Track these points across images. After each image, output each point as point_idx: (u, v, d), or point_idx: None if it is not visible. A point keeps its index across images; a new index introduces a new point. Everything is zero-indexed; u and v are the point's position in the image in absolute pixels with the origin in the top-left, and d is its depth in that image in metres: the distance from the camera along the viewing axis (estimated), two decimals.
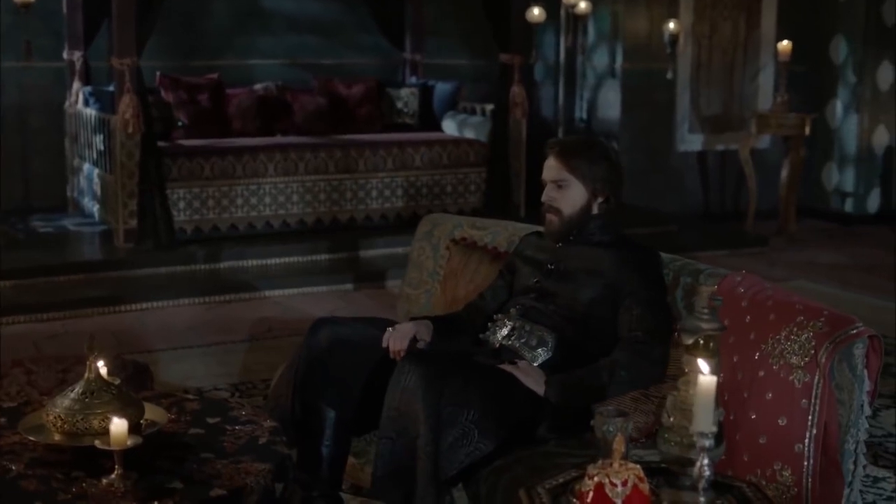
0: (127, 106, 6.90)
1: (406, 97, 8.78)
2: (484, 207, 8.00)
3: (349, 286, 6.96)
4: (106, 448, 2.59)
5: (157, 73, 8.02)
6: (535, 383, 3.18)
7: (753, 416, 2.93)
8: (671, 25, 8.66)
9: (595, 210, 3.46)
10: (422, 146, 8.05)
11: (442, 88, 8.83)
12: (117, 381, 2.99)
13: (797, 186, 8.74)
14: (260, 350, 5.62)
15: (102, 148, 7.38)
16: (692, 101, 9.21)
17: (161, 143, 7.28)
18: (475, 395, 3.01)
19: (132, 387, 3.37)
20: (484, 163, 8.17)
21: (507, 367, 3.20)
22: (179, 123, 7.91)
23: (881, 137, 9.33)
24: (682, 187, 9.30)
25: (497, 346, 3.37)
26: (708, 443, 2.19)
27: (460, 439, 2.96)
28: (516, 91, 7.97)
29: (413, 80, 9.13)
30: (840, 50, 9.36)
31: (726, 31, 9.30)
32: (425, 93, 8.80)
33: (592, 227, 3.45)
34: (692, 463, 2.27)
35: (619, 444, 2.26)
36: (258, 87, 8.43)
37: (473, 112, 8.66)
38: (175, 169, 7.25)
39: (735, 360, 3.07)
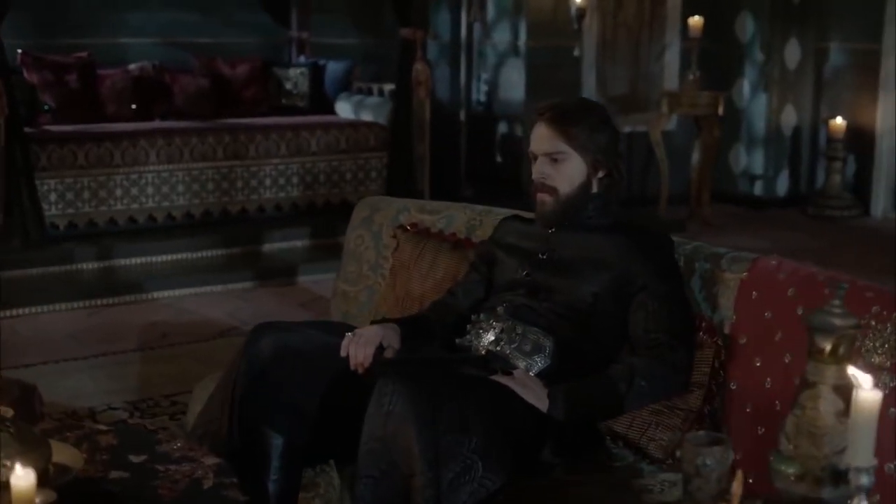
0: None
1: (295, 77, 8.08)
2: (387, 195, 7.34)
3: (248, 284, 6.26)
4: None
5: (18, 52, 7.15)
6: (536, 397, 2.59)
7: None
8: (578, 0, 8.14)
9: (595, 188, 2.88)
10: (317, 130, 7.37)
11: (334, 68, 8.18)
12: (10, 413, 2.28)
13: (711, 168, 8.34)
14: (156, 360, 4.89)
15: None
16: (598, 80, 8.72)
17: (26, 129, 6.44)
18: (475, 418, 2.39)
19: (21, 415, 2.66)
20: (385, 147, 7.54)
21: (503, 379, 2.60)
22: (46, 107, 7.07)
23: (789, 117, 9.01)
24: None
25: (483, 352, 2.77)
26: (867, 481, 1.62)
27: (462, 475, 2.34)
28: (419, 69, 7.34)
29: (301, 59, 8.44)
30: (747, 27, 9.00)
31: (632, 7, 8.84)
32: (316, 73, 8.12)
33: (591, 208, 2.87)
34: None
35: (737, 487, 1.68)
36: (133, 67, 7.64)
37: (370, 93, 8.03)
38: (44, 157, 6.43)
39: (787, 360, 2.52)
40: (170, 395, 4.39)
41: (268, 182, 7.13)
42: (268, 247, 6.79)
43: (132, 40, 8.02)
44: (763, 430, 2.54)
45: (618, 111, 8.80)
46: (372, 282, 3.61)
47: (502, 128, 8.69)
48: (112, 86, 7.40)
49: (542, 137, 2.84)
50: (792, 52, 8.92)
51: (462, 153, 8.36)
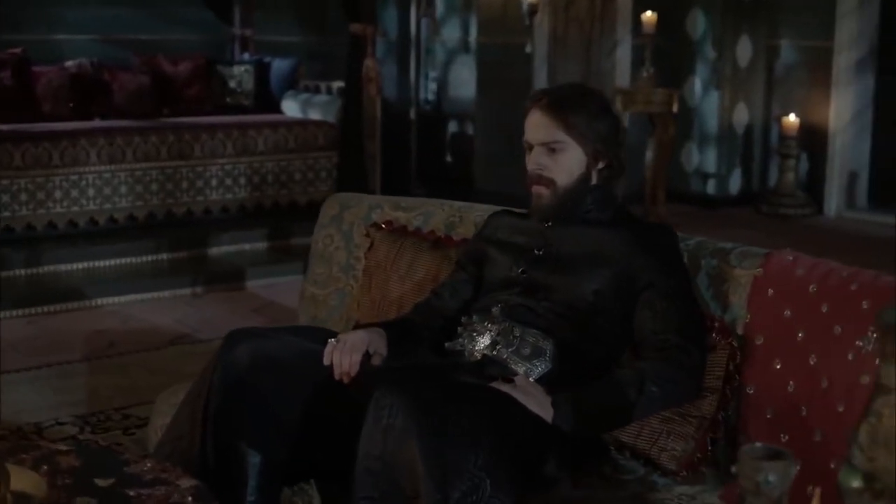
0: None
1: (240, 75, 7.81)
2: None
3: (196, 289, 5.97)
4: None
5: None
6: (540, 406, 2.38)
7: None
8: None
9: (594, 179, 2.67)
10: (265, 129, 7.10)
11: (279, 66, 7.92)
12: None
13: (665, 167, 8.19)
14: (104, 371, 4.60)
15: None
16: (550, 78, 8.54)
17: None
18: (481, 431, 2.17)
19: None
20: (334, 146, 7.29)
21: (503, 387, 2.38)
22: None
23: (741, 115, 8.90)
24: None
25: (478, 357, 2.55)
26: None
27: (469, 495, 2.11)
28: (370, 65, 7.10)
29: (245, 56, 8.17)
30: (698, 24, 8.88)
31: (583, 3, 8.67)
32: (261, 70, 7.86)
33: (590, 201, 2.67)
34: None
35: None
36: (70, 64, 7.32)
37: (318, 91, 7.78)
38: None
39: (813, 362, 2.34)
40: (121, 407, 4.12)
41: (214, 183, 6.85)
42: (215, 250, 6.51)
43: (69, 36, 7.72)
44: (787, 437, 2.35)
45: None
46: (343, 284, 3.38)
47: (452, 127, 8.49)
48: (48, 83, 7.08)
49: (538, 126, 2.64)
50: (743, 50, 8.81)
51: (412, 153, 8.14)
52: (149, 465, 2.27)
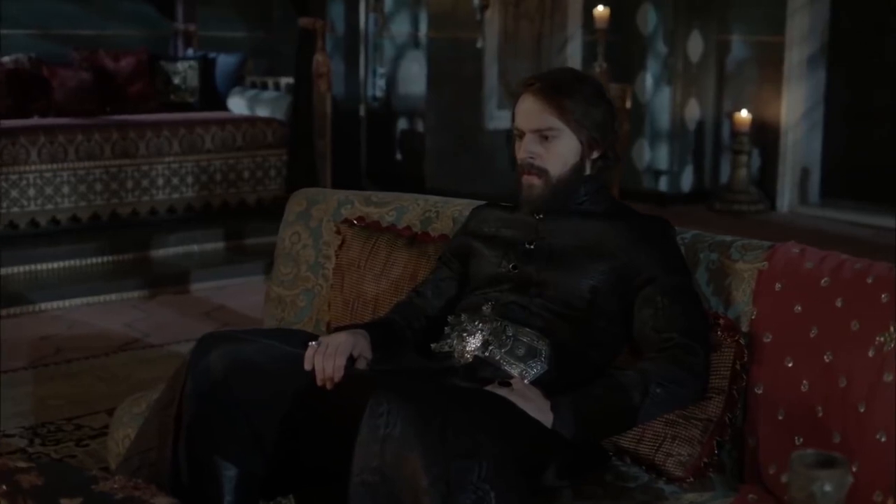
0: None
1: (184, 72, 7.58)
2: (287, 194, 6.89)
3: (143, 292, 5.74)
4: None
5: None
6: (539, 410, 2.23)
7: (883, 440, 2.07)
8: None
9: (588, 169, 2.53)
10: (212, 126, 6.88)
11: (224, 62, 7.69)
12: None
13: (621, 164, 8.09)
14: (51, 379, 4.37)
15: None
16: (500, 74, 8.41)
17: None
18: (484, 439, 2.01)
19: None
20: (283, 143, 7.09)
21: (501, 391, 2.23)
22: None
23: (693, 111, 8.83)
24: (493, 168, 8.47)
25: (469, 359, 2.39)
26: None
27: None
28: (320, 60, 6.88)
29: (189, 52, 7.93)
30: (649, 19, 8.79)
31: None
32: (206, 67, 7.63)
33: (583, 192, 2.52)
34: None
35: None
36: (6, 59, 7.04)
37: (265, 87, 7.57)
38: None
39: (828, 359, 2.21)
40: (72, 417, 3.90)
41: (160, 182, 6.62)
42: (162, 252, 6.28)
43: (6, 31, 7.41)
44: (802, 439, 2.22)
45: None
46: (312, 284, 3.21)
47: (402, 124, 8.31)
48: None
49: (530, 112, 2.48)
50: (695, 45, 8.74)
51: (362, 151, 7.97)
52: (118, 482, 2.09)
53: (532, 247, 2.51)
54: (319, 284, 3.19)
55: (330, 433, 2.31)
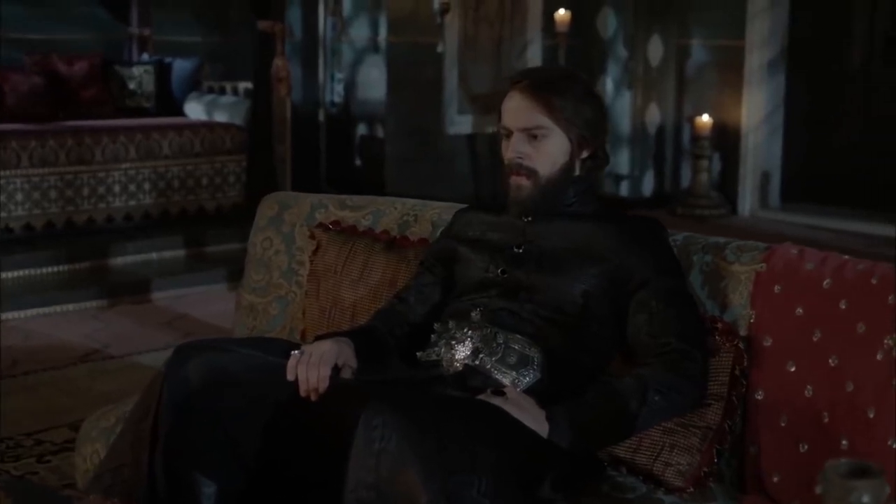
0: None
1: (139, 76, 7.42)
2: (246, 201, 6.79)
3: (102, 302, 5.59)
4: None
5: None
6: (534, 420, 2.14)
7: (895, 446, 2.00)
8: None
9: (577, 170, 2.44)
10: (169, 132, 6.73)
11: (181, 66, 7.55)
12: None
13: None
14: (9, 392, 4.21)
15: None
16: (460, 78, 8.32)
17: None
18: (481, 452, 1.93)
19: None
20: (242, 149, 6.97)
21: (495, 400, 2.13)
22: None
23: (653, 116, 8.80)
24: (453, 174, 8.39)
25: (459, 368, 2.30)
26: None
27: None
28: (279, 65, 6.79)
29: (145, 57, 7.78)
30: (609, 23, 8.75)
31: (493, 2, 8.48)
32: (162, 71, 7.48)
33: (572, 193, 2.44)
34: None
35: None
36: None
37: (223, 92, 7.44)
38: None
39: (834, 363, 2.14)
40: (33, 432, 3.76)
41: (117, 189, 6.46)
42: (119, 260, 6.13)
43: None
44: (807, 447, 2.15)
45: (480, 111, 8.45)
46: (285, 291, 3.10)
47: (362, 129, 8.20)
48: None
49: (518, 109, 2.40)
50: (655, 49, 8.71)
51: (322, 157, 7.85)
52: (94, 501, 1.97)
53: (521, 250, 2.42)
54: (293, 291, 3.09)
55: (314, 446, 2.20)
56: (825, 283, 2.21)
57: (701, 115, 8.40)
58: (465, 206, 2.72)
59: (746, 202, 8.52)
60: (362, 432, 1.87)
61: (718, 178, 8.64)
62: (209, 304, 5.50)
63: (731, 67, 8.44)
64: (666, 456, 2.25)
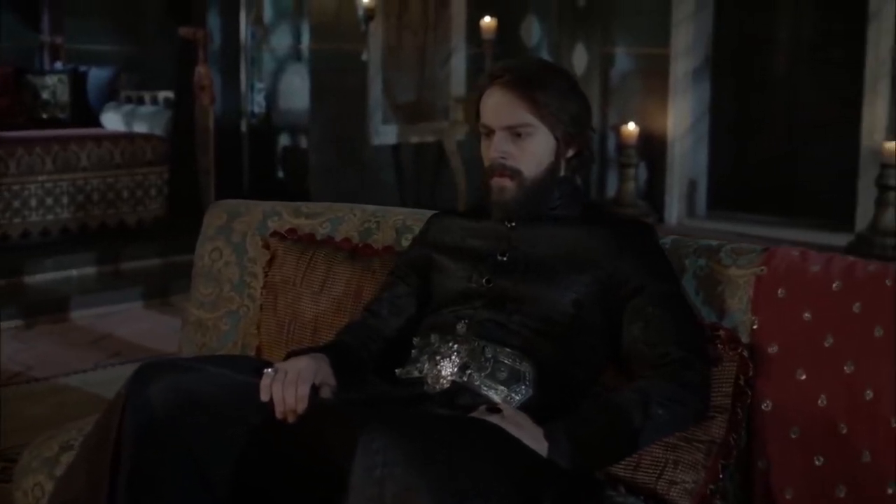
0: None
1: (53, 86, 7.13)
2: (169, 214, 6.55)
3: (20, 322, 5.31)
4: None
5: None
6: (532, 439, 1.97)
7: None
8: (365, 0, 7.55)
9: (563, 170, 2.29)
10: (88, 143, 6.45)
11: (97, 75, 7.28)
12: None
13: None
14: None
15: None
16: (385, 88, 8.15)
17: None
18: (490, 474, 1.76)
19: None
20: (164, 161, 6.72)
21: (492, 418, 1.97)
22: None
23: None
24: (378, 185, 8.21)
25: (445, 385, 2.13)
26: None
27: None
28: (202, 72, 6.56)
29: (58, 66, 7.48)
30: (533, 31, 8.66)
31: (416, 10, 8.33)
32: (77, 80, 7.20)
33: (557, 195, 2.29)
34: None
35: None
36: None
37: (141, 101, 7.17)
38: None
39: (849, 370, 2.02)
40: None
41: (33, 203, 6.16)
42: (38, 277, 5.84)
43: None
44: (822, 460, 2.02)
45: (405, 121, 8.30)
46: (237, 305, 2.90)
47: (284, 140, 7.97)
48: None
49: (500, 106, 2.23)
50: (579, 57, 8.65)
51: (244, 168, 7.61)
52: None
53: (505, 258, 2.26)
54: (245, 305, 2.89)
55: (293, 473, 2.02)
56: (834, 285, 2.09)
57: (626, 123, 8.34)
58: (437, 211, 2.55)
59: (674, 211, 8.48)
60: (361, 458, 1.69)
61: (645, 186, 8.60)
62: (134, 322, 5.26)
63: (656, 75, 8.41)
64: (670, 473, 2.11)
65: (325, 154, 7.78)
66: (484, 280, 2.24)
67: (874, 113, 7.29)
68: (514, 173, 2.23)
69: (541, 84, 2.23)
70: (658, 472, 2.12)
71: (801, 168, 7.97)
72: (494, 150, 2.24)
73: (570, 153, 2.28)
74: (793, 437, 2.07)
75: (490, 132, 2.26)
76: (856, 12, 7.45)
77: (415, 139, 8.39)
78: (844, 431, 1.99)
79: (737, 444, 2.15)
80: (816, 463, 2.02)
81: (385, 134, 8.22)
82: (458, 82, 8.49)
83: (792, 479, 2.05)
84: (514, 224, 2.27)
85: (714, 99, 8.37)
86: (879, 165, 6.63)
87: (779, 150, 8.06)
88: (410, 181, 8.47)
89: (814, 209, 7.82)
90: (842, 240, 6.78)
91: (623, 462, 2.13)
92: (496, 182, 2.25)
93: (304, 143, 7.82)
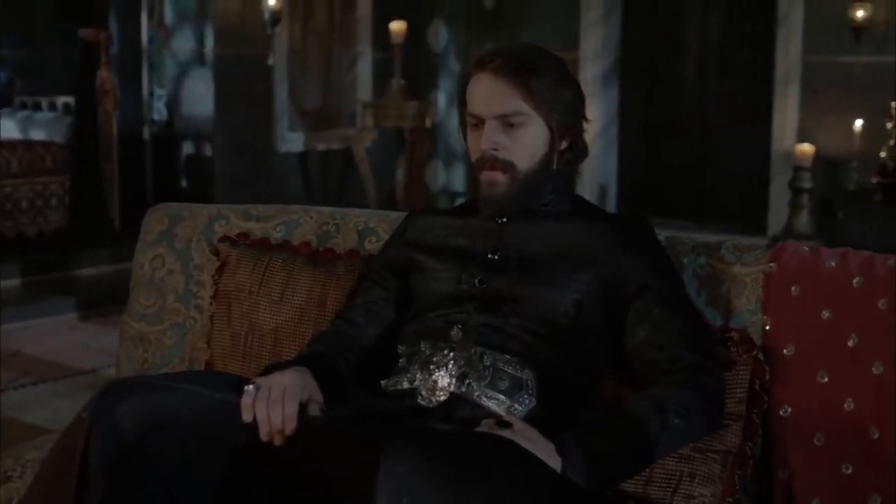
0: None
1: None
2: (71, 225, 6.22)
3: None
4: None
5: None
6: (545, 453, 1.80)
7: None
8: (271, 2, 7.31)
9: (555, 162, 2.13)
10: None
11: None
12: None
13: (421, 185, 7.78)
14: None
15: None
16: (290, 92, 7.92)
17: None
18: (525, 496, 1.59)
19: None
20: (65, 169, 6.38)
21: (504, 432, 1.78)
22: None
23: None
24: (286, 193, 7.96)
25: (443, 397, 1.95)
26: None
27: None
28: (104, 77, 6.27)
29: None
30: (440, 36, 8.53)
31: (322, 14, 8.12)
32: None
33: (549, 190, 2.12)
34: None
35: None
36: None
37: (38, 107, 6.82)
38: None
39: (878, 371, 1.89)
40: None
41: None
42: None
43: None
44: (852, 468, 1.89)
45: (312, 128, 8.08)
46: (183, 317, 2.66)
47: (187, 148, 7.69)
48: None
49: (491, 93, 2.06)
50: None
51: (147, 177, 7.31)
52: None
53: (496, 256, 2.08)
54: (192, 317, 2.66)
55: (280, 500, 1.82)
56: (854, 281, 1.96)
57: None
58: (419, 208, 2.37)
59: None
60: (384, 483, 1.49)
61: None
62: (43, 339, 4.96)
63: None
64: (686, 487, 1.96)
65: (230, 162, 7.53)
66: (476, 281, 2.06)
67: (785, 116, 7.32)
68: (507, 166, 2.06)
69: (534, 69, 2.06)
70: (673, 486, 1.96)
71: (712, 172, 7.97)
72: (485, 140, 2.06)
73: (564, 145, 2.12)
74: (817, 444, 1.94)
75: (479, 122, 2.08)
76: (764, 15, 7.49)
77: (322, 147, 8.18)
78: (876, 437, 1.86)
79: (752, 453, 2.01)
80: (845, 471, 1.89)
81: (292, 141, 8.00)
82: (364, 87, 8.32)
83: (818, 488, 1.92)
84: (505, 220, 2.10)
85: (624, 103, 8.33)
86: (791, 168, 6.63)
87: (689, 154, 8.05)
88: (318, 189, 8.25)
89: (725, 213, 7.82)
90: None
91: (637, 476, 1.98)
92: (486, 176, 2.08)
93: (208, 150, 7.56)
